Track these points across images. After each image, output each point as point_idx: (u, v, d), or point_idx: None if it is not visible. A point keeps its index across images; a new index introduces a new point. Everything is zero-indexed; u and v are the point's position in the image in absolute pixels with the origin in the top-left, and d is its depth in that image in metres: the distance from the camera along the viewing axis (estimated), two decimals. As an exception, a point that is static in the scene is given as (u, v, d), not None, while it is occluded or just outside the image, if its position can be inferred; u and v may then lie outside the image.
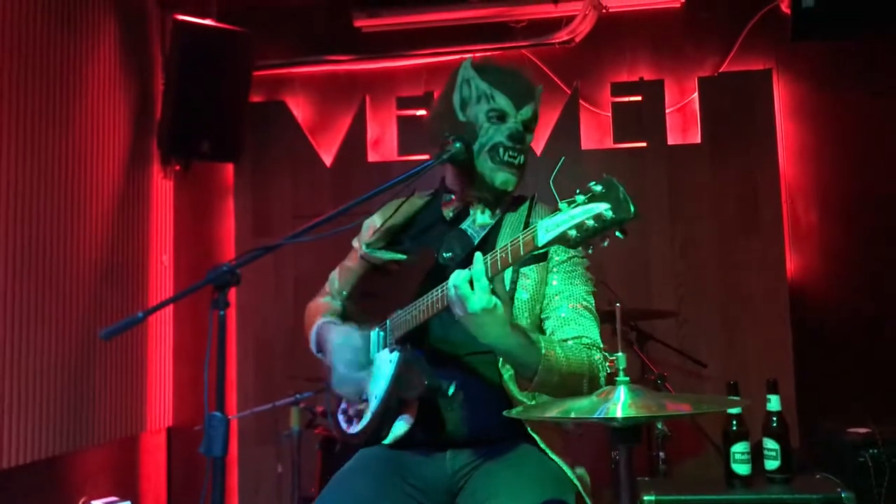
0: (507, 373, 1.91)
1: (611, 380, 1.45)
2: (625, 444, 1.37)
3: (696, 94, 4.05)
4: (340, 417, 2.07)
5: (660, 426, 3.04)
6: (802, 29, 3.67)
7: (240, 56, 4.02)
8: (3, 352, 2.96)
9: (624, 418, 1.30)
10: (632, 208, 1.42)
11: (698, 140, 4.03)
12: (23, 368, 3.05)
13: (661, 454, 3.05)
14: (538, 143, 4.08)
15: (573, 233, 1.45)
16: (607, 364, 1.88)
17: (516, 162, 1.99)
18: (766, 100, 3.97)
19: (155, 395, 4.08)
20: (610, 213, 1.42)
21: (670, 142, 4.05)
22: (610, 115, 4.10)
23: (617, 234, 1.44)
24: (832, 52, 3.90)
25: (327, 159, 4.25)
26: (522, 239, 1.56)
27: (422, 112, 4.02)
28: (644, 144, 4.06)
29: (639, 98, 4.08)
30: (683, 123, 4.09)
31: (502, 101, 1.98)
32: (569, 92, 4.12)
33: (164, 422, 4.17)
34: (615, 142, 4.09)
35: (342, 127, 4.27)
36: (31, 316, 3.12)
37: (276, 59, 4.29)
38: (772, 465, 2.33)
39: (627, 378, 1.40)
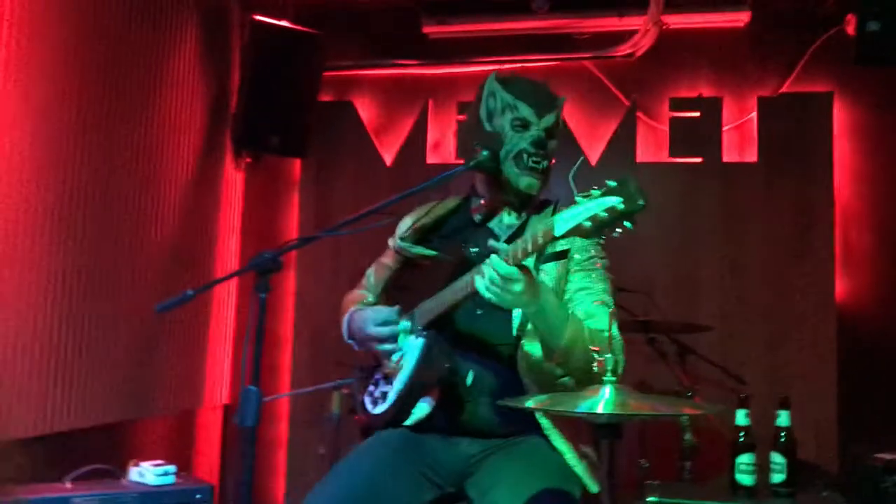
0: (533, 349, 2.00)
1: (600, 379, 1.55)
2: (607, 438, 1.47)
3: (754, 114, 4.07)
4: (366, 400, 2.22)
5: (687, 436, 3.10)
6: (866, 52, 3.66)
7: (312, 57, 4.22)
8: (77, 322, 3.20)
9: (607, 414, 1.41)
10: (640, 200, 1.53)
11: (754, 159, 4.05)
12: (93, 339, 3.29)
13: (688, 464, 3.10)
14: (593, 154, 4.17)
15: (587, 223, 1.58)
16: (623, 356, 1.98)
17: (539, 167, 2.12)
18: (824, 122, 3.97)
19: (213, 373, 4.31)
20: (621, 206, 1.54)
21: (726, 159, 4.09)
22: (667, 129, 4.16)
23: (626, 224, 1.55)
24: (893, 77, 3.87)
25: (388, 159, 4.42)
26: (542, 230, 1.70)
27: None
28: (700, 160, 4.10)
29: (697, 114, 4.12)
30: (740, 142, 4.12)
31: (525, 111, 2.12)
32: (627, 104, 4.20)
33: (220, 399, 4.40)
34: (671, 156, 4.14)
35: (404, 128, 4.43)
36: (104, 290, 3.36)
37: (346, 60, 4.48)
38: (777, 478, 2.38)
39: (614, 378, 1.51)
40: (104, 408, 3.36)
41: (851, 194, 3.97)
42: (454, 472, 2.04)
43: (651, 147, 4.20)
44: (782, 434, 2.37)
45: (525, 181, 2.12)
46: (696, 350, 3.59)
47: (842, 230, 3.94)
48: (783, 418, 2.37)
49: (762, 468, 2.38)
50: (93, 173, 3.28)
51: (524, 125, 2.12)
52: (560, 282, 2.08)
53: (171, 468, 2.84)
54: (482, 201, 2.23)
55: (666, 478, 2.99)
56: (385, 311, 2.16)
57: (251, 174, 4.60)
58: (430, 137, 4.41)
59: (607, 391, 1.48)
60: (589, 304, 2.05)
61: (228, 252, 4.43)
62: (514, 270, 1.74)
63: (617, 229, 1.56)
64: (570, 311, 1.92)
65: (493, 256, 1.76)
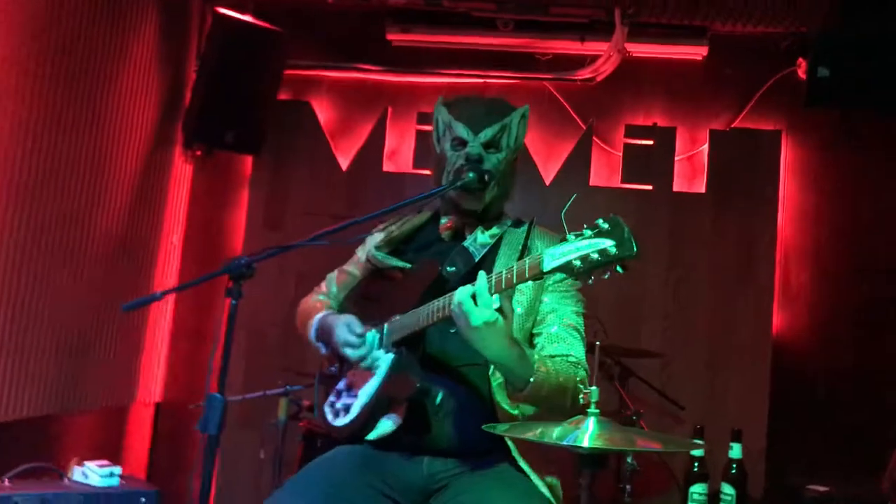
0: (496, 381, 2.02)
1: (583, 410, 1.56)
2: (590, 469, 1.48)
3: (706, 146, 4.18)
4: (327, 410, 2.18)
5: (629, 460, 3.15)
6: (816, 96, 3.80)
7: (272, 54, 4.16)
8: (14, 311, 3.07)
9: (590, 448, 1.42)
10: (634, 247, 1.55)
11: (703, 190, 4.16)
12: (30, 329, 3.17)
13: (629, 487, 3.15)
14: (548, 174, 4.22)
15: (577, 263, 1.58)
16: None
17: (477, 183, 2.08)
18: (772, 159, 4.11)
19: (148, 369, 4.20)
20: (614, 250, 1.55)
21: (676, 188, 4.18)
22: (621, 155, 4.23)
23: (618, 268, 1.57)
24: (841, 120, 4.03)
25: (344, 163, 4.37)
26: (529, 263, 1.69)
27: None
28: (650, 188, 4.19)
29: (651, 142, 4.21)
30: (691, 172, 4.22)
31: (460, 130, 2.13)
32: (584, 128, 4.26)
33: (153, 396, 4.29)
34: (623, 181, 4.22)
35: (362, 134, 4.40)
36: (44, 280, 3.24)
37: (307, 60, 4.42)
38: (727, 508, 2.46)
39: (598, 410, 1.52)
40: (36, 400, 3.23)
41: (794, 230, 4.11)
42: (414, 491, 2.02)
43: (604, 172, 4.27)
44: (733, 466, 2.43)
45: (465, 199, 2.13)
46: (638, 373, 3.66)
47: (782, 265, 4.08)
48: (735, 451, 2.43)
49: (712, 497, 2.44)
50: (38, 163, 3.16)
51: (462, 143, 2.14)
52: (534, 302, 2.08)
53: (117, 469, 2.75)
54: (448, 221, 2.23)
55: (607, 498, 3.04)
56: (355, 322, 2.13)
57: (199, 169, 4.50)
58: (388, 145, 4.39)
59: (591, 423, 1.49)
60: (558, 327, 2.07)
61: (171, 247, 4.32)
62: (490, 319, 1.73)
63: (607, 273, 1.57)
64: (534, 361, 1.87)
65: (474, 308, 1.73)
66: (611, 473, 3.27)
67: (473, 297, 1.77)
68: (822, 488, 2.95)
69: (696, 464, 2.46)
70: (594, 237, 1.58)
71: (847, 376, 3.94)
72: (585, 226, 1.61)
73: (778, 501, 3.46)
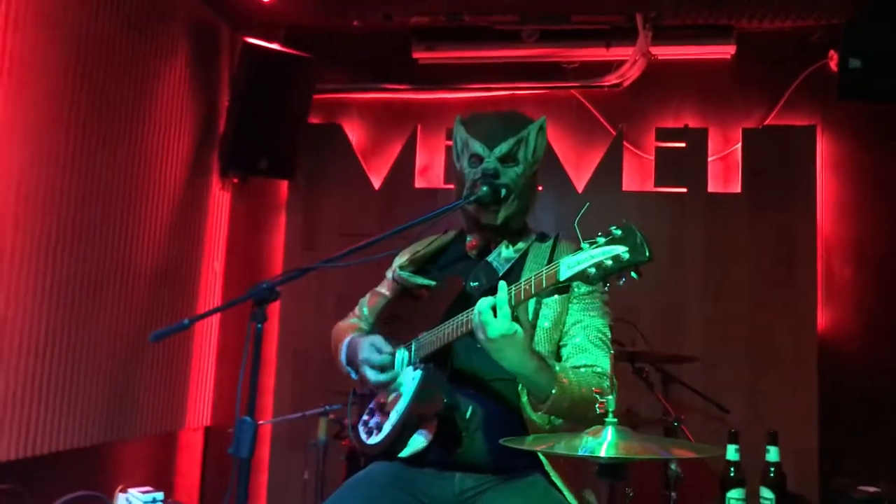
0: (525, 395, 2.03)
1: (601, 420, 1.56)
2: (609, 479, 1.48)
3: (739, 145, 4.13)
4: (360, 429, 2.21)
5: (673, 467, 3.11)
6: (849, 88, 3.74)
7: (302, 79, 4.23)
8: (61, 341, 3.17)
9: (607, 458, 1.42)
10: (647, 252, 1.55)
11: (738, 190, 4.11)
12: (76, 359, 3.26)
13: (674, 494, 3.11)
14: (580, 182, 4.21)
15: (592, 270, 1.59)
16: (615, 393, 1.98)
17: (492, 198, 2.10)
18: (808, 155, 4.04)
19: (196, 394, 4.28)
20: (627, 255, 1.56)
21: (710, 189, 4.14)
22: (653, 158, 4.21)
23: (632, 274, 1.58)
24: (876, 112, 3.94)
25: (376, 182, 4.43)
26: (546, 273, 1.70)
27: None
28: (685, 190, 4.15)
29: (683, 144, 4.18)
30: (725, 172, 4.18)
31: (476, 147, 2.15)
32: (614, 133, 4.24)
33: (202, 421, 4.37)
34: (656, 185, 4.19)
35: (393, 152, 4.45)
36: (89, 310, 3.34)
37: (336, 83, 4.49)
38: (767, 512, 2.42)
39: (616, 420, 1.52)
40: (86, 430, 3.32)
41: (834, 226, 4.04)
42: (447, 506, 2.03)
43: (637, 176, 4.24)
44: (771, 469, 2.39)
45: (481, 213, 2.14)
46: (681, 379, 3.62)
47: (824, 261, 4.00)
48: (772, 454, 2.39)
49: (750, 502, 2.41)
50: (79, 196, 3.26)
51: (479, 159, 2.15)
52: (561, 315, 2.08)
53: (159, 495, 2.82)
54: (473, 239, 2.24)
55: (653, 507, 3.01)
56: (381, 351, 2.15)
57: (237, 196, 4.59)
58: (419, 162, 4.43)
59: (609, 433, 1.48)
60: (583, 339, 2.06)
61: (212, 273, 4.41)
62: (509, 331, 1.75)
63: (622, 279, 1.57)
64: (556, 372, 1.89)
65: (492, 320, 1.76)
66: (656, 480, 3.24)
67: (493, 308, 1.78)
68: (872, 489, 2.88)
69: (732, 469, 2.43)
70: (608, 244, 1.58)
71: (898, 372, 3.84)
72: (599, 233, 1.62)
73: (828, 502, 3.38)
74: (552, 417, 2.02)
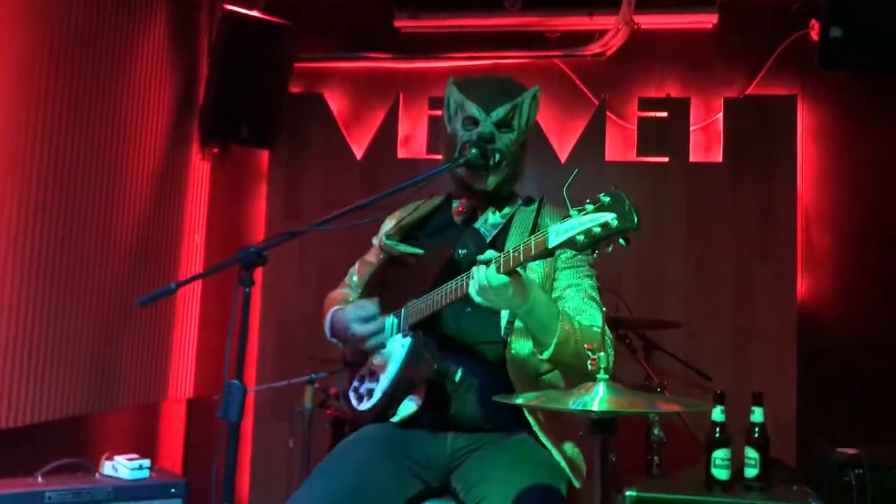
0: (511, 351, 2.03)
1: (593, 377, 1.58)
2: (600, 434, 1.50)
3: (721, 115, 4.15)
4: (351, 395, 2.22)
5: (656, 432, 3.15)
6: (830, 57, 3.74)
7: (282, 48, 4.19)
8: (42, 315, 3.14)
9: (600, 411, 1.44)
10: (635, 219, 1.55)
11: (720, 159, 4.13)
12: (58, 332, 3.23)
13: (656, 458, 3.16)
14: (563, 152, 4.21)
15: (581, 238, 1.59)
16: (612, 350, 2.00)
17: (488, 162, 2.10)
18: (789, 124, 4.06)
19: (178, 365, 4.26)
20: (615, 223, 1.55)
21: (692, 159, 4.16)
22: (635, 128, 4.22)
23: (620, 241, 1.58)
24: (857, 81, 3.97)
25: (358, 152, 4.41)
26: (534, 240, 1.70)
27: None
28: (666, 160, 4.17)
29: (665, 114, 4.19)
30: (706, 142, 4.19)
31: (472, 109, 2.14)
32: (596, 103, 4.24)
33: (185, 392, 4.35)
34: (638, 155, 4.20)
35: (375, 122, 4.42)
36: (69, 283, 3.30)
37: (317, 52, 4.45)
38: (751, 472, 2.45)
39: (607, 376, 1.53)
40: (69, 401, 3.30)
41: (814, 195, 4.07)
42: (440, 466, 2.05)
43: (619, 146, 4.25)
44: (756, 430, 2.43)
45: (472, 178, 2.14)
46: (663, 346, 3.66)
47: (804, 230, 4.04)
48: (757, 414, 2.43)
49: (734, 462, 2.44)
50: (58, 167, 3.21)
51: (474, 122, 2.15)
52: (547, 280, 2.10)
53: (146, 462, 2.80)
54: (459, 205, 2.24)
55: (634, 472, 3.05)
56: (367, 307, 2.15)
57: (217, 165, 4.55)
58: (401, 131, 4.41)
59: (601, 388, 1.50)
60: (579, 301, 2.08)
61: (193, 244, 4.38)
62: (505, 280, 1.75)
63: (610, 245, 1.58)
64: (559, 308, 1.94)
65: (485, 269, 1.77)
66: (639, 445, 3.28)
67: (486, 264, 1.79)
68: (850, 451, 2.94)
69: (717, 429, 2.46)
70: (596, 211, 1.58)
71: (875, 340, 3.90)
72: (588, 200, 1.61)
73: (808, 466, 3.45)
74: (542, 371, 2.04)
